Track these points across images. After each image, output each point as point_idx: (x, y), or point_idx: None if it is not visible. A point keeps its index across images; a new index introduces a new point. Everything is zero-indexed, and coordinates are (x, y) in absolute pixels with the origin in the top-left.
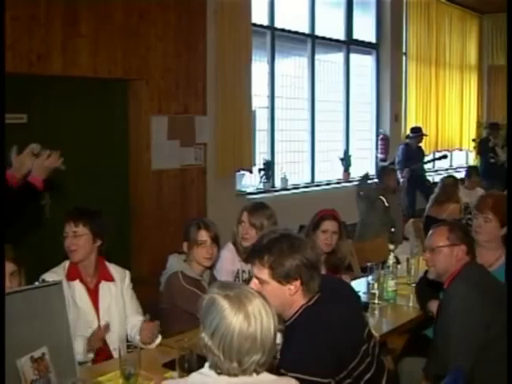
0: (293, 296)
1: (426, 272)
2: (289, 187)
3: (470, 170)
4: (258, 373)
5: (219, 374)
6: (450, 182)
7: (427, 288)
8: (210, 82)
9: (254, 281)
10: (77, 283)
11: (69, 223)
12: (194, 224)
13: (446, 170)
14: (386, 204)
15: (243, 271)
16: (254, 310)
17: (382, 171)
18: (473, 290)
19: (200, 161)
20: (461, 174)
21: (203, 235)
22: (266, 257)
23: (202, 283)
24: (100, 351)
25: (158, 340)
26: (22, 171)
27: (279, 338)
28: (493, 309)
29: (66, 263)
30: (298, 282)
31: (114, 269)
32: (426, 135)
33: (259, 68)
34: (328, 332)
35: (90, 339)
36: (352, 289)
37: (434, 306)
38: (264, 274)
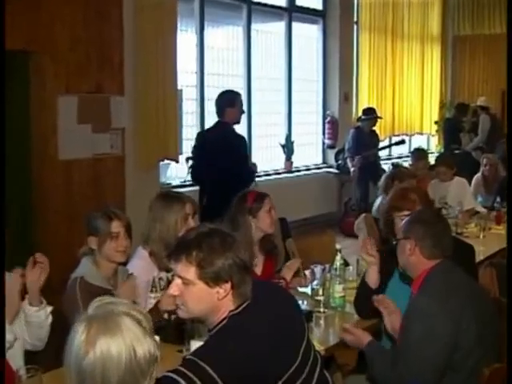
0: (221, 301)
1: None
2: None
3: (438, 159)
4: None
5: None
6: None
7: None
8: (127, 55)
9: (177, 281)
10: None
11: None
12: (102, 215)
13: (406, 157)
14: None
15: (160, 278)
16: (100, 338)
17: None
18: (438, 311)
19: (117, 149)
20: None
21: (116, 226)
22: (194, 253)
23: (110, 293)
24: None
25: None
26: None
27: None
28: (461, 327)
29: None
30: (228, 285)
31: None
32: (380, 118)
33: (186, 39)
34: (250, 347)
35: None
36: (290, 296)
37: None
38: (190, 273)
